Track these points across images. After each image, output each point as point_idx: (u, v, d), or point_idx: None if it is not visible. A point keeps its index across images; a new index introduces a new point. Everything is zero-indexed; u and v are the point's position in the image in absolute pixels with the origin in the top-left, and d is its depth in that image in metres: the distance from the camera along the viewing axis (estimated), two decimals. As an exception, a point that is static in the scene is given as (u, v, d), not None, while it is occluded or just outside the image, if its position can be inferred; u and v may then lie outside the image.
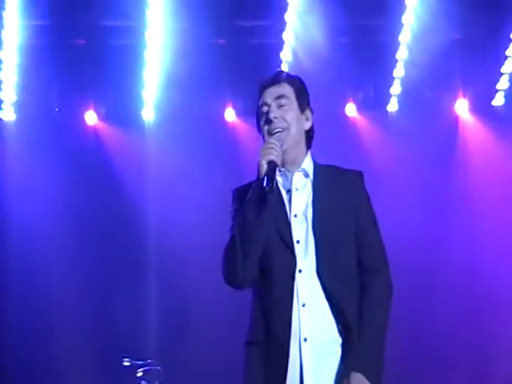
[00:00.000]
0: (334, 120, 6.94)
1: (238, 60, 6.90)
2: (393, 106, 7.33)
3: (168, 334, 7.07)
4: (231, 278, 3.09)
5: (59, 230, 7.12)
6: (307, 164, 3.20)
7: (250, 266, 3.06)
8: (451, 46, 7.00)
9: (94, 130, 7.41)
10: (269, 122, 3.14)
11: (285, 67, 7.04)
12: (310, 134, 3.25)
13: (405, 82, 7.19)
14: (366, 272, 3.13)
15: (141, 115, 7.34)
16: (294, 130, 3.15)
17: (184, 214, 7.00)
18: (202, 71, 6.82)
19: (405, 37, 7.05)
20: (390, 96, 7.29)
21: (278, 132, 3.12)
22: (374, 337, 3.07)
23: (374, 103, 7.31)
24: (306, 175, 3.18)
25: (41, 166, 7.16)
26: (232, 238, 3.08)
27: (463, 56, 7.06)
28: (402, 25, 7.02)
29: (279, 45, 7.08)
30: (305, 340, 3.02)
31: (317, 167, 3.21)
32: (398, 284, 3.20)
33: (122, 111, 7.31)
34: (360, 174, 3.24)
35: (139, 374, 6.21)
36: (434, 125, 7.23)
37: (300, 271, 3.05)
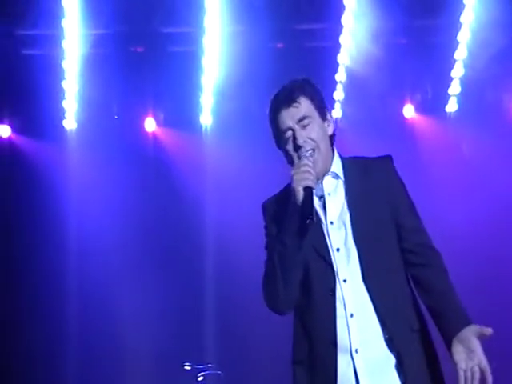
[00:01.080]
0: (392, 121, 6.89)
1: (296, 63, 6.89)
2: (452, 107, 7.25)
3: (229, 338, 7.09)
4: (274, 304, 3.06)
5: (120, 234, 7.21)
6: (336, 165, 3.11)
7: (291, 290, 3.01)
8: (510, 44, 6.90)
9: (153, 136, 7.50)
10: (298, 147, 3.06)
11: (342, 70, 7.03)
12: (333, 136, 3.15)
13: (464, 81, 7.11)
14: (416, 258, 3.01)
15: (199, 120, 7.40)
16: (322, 146, 3.06)
17: (243, 217, 6.99)
18: (259, 75, 6.83)
19: (464, 36, 6.97)
20: (449, 96, 7.22)
21: (310, 154, 3.03)
22: (457, 300, 2.94)
23: (432, 104, 7.25)
24: (337, 177, 3.10)
25: (102, 173, 7.27)
26: (271, 265, 3.03)
27: (523, 54, 6.97)
28: (461, 24, 6.95)
29: (336, 48, 7.07)
30: (356, 351, 2.92)
31: (345, 164, 3.12)
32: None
33: (180, 117, 7.39)
34: (388, 159, 3.12)
35: (200, 379, 6.26)
36: (494, 124, 7.13)
37: (345, 281, 2.96)
